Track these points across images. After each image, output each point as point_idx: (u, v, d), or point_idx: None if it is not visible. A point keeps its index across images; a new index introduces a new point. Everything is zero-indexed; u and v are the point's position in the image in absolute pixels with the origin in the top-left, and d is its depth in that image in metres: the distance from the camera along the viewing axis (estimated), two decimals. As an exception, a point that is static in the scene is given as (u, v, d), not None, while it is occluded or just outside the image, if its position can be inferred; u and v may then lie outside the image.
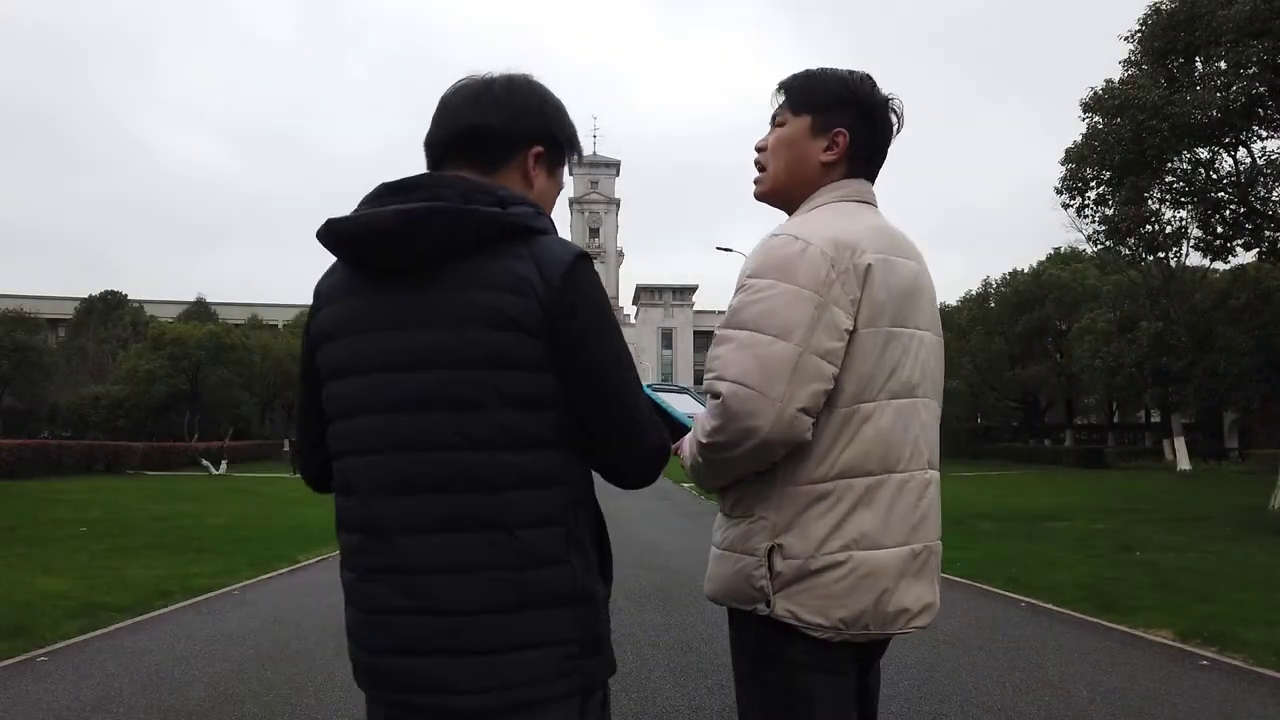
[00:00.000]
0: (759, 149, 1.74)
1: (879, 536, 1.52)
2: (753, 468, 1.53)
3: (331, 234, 1.27)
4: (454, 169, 1.34)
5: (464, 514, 1.20)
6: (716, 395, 1.49)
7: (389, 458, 1.23)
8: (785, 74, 1.74)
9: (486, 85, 1.37)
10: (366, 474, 1.25)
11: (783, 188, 1.71)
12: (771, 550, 1.52)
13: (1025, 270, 45.63)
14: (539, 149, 1.38)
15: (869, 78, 1.69)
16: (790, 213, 1.69)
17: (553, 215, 1.38)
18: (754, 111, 1.81)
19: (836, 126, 1.64)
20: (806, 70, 1.72)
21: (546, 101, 1.40)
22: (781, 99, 1.71)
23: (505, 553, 1.20)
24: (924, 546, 1.59)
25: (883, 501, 1.53)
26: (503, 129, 1.35)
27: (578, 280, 1.22)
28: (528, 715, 1.19)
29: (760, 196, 1.75)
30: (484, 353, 1.19)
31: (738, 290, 1.54)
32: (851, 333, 1.50)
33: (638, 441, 1.28)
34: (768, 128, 1.74)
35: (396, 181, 1.29)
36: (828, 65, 1.77)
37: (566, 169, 1.46)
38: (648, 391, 1.61)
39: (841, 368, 1.50)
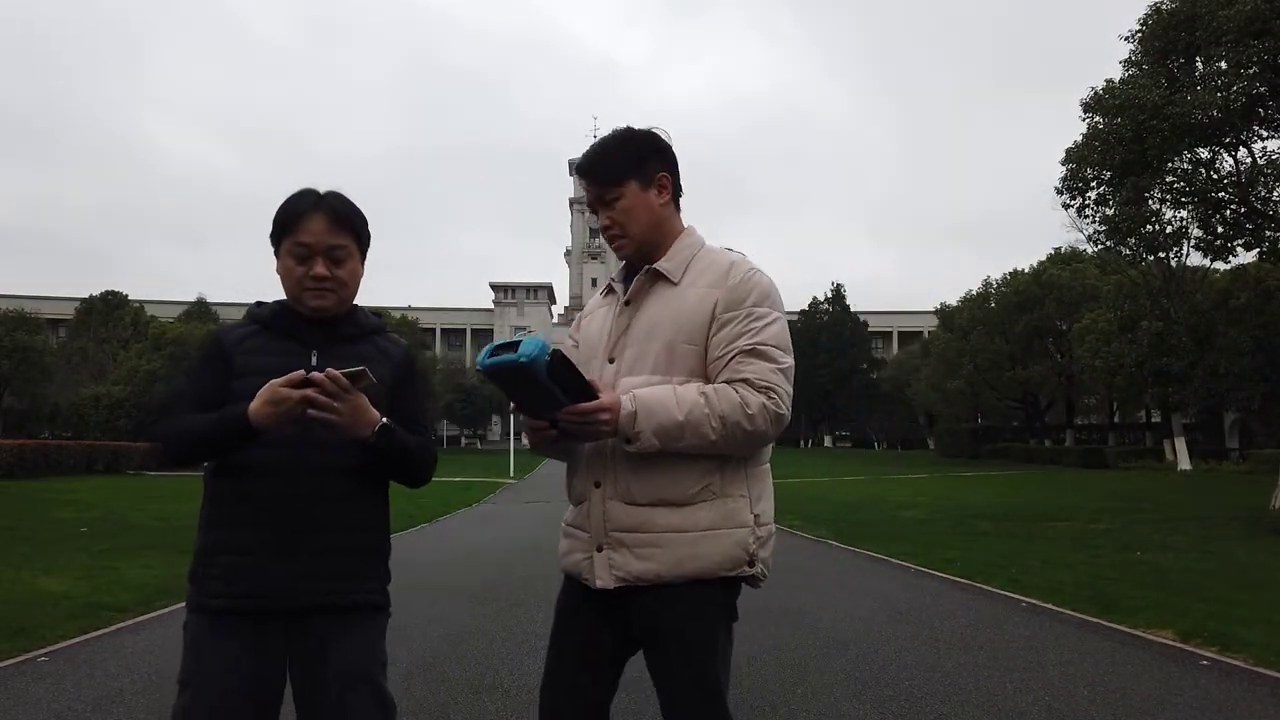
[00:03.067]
0: (605, 226, 1.99)
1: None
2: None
3: None
4: None
5: None
6: (773, 395, 1.83)
7: None
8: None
9: None
10: None
11: (647, 242, 1.98)
12: (755, 519, 1.89)
13: (1026, 270, 45.64)
14: None
15: (646, 129, 1.99)
16: (652, 256, 1.97)
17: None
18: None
19: (657, 173, 1.97)
20: (599, 146, 1.99)
21: None
22: (597, 181, 1.96)
23: None
24: None
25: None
26: None
27: None
28: None
29: (629, 258, 2.02)
30: None
31: (754, 316, 1.87)
32: None
33: None
34: (597, 206, 1.98)
35: None
36: (610, 130, 2.03)
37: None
38: (484, 365, 1.77)
39: None
